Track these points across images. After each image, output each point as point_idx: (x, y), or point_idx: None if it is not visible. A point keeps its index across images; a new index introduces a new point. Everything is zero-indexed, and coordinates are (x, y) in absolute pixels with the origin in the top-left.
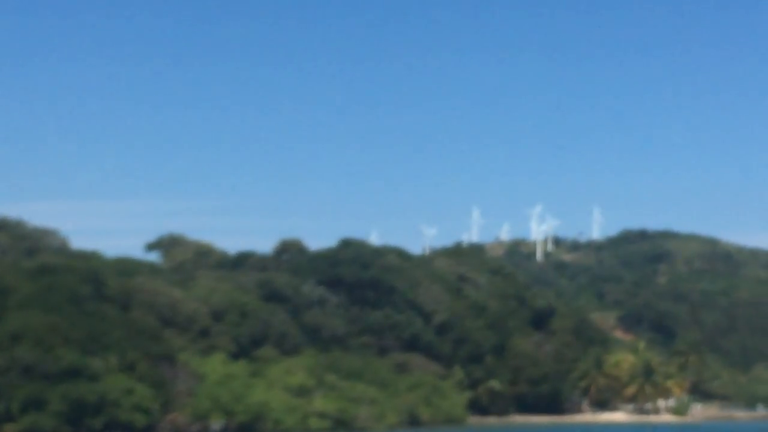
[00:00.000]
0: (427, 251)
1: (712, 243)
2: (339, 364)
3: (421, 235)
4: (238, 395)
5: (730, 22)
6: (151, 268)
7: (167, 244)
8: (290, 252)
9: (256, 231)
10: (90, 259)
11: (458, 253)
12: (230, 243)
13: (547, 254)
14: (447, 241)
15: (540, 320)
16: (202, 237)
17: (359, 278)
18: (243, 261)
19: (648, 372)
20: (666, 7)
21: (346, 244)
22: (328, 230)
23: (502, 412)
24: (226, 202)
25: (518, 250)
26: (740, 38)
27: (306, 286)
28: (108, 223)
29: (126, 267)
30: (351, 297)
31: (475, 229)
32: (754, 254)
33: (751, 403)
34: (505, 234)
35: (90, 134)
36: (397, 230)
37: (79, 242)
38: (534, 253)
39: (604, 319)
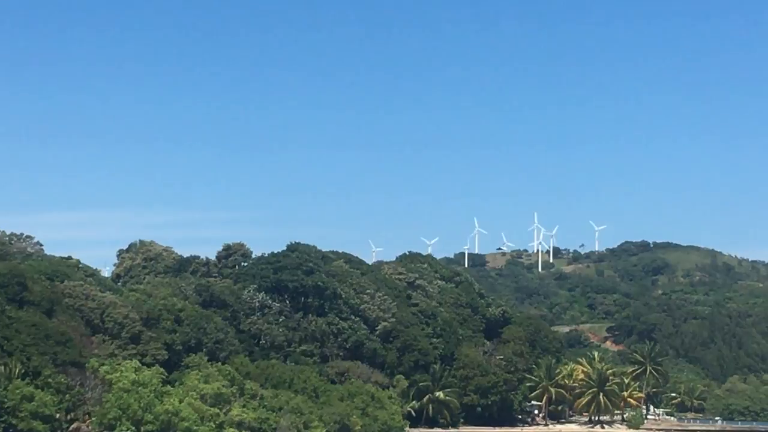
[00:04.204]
0: None
1: (712, 255)
2: (268, 372)
3: (423, 246)
4: (147, 404)
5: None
6: (89, 273)
7: (137, 251)
8: (234, 256)
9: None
10: (27, 263)
11: (410, 259)
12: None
13: (548, 265)
14: (448, 251)
15: (493, 329)
16: (191, 246)
17: (302, 284)
18: (187, 266)
19: (602, 383)
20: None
21: (292, 248)
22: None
23: (451, 423)
24: (238, 213)
25: (519, 261)
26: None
27: (247, 293)
28: (96, 233)
29: (60, 271)
30: (294, 303)
31: (477, 240)
32: (755, 266)
33: (725, 414)
34: (507, 245)
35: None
36: (398, 241)
37: (64, 250)
38: (536, 264)
39: (596, 330)
